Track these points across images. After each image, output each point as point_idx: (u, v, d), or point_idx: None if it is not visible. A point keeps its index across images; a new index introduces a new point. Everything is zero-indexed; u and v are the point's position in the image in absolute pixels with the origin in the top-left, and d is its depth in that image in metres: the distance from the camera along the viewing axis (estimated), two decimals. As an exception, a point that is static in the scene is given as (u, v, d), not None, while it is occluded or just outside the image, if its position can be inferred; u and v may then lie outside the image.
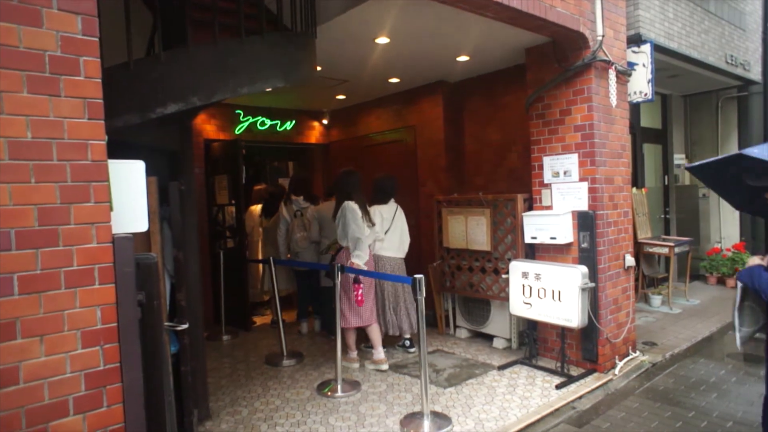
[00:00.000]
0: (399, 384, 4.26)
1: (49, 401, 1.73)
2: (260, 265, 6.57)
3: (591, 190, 4.31)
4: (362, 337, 5.24)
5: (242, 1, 2.99)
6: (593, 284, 4.20)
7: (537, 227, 4.48)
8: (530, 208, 4.74)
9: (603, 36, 4.24)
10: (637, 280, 6.65)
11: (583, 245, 4.34)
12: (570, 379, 4.17)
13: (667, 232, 7.98)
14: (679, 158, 8.49)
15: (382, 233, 4.85)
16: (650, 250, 6.70)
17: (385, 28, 4.13)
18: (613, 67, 4.34)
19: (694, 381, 4.26)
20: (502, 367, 4.51)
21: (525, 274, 4.35)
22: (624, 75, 4.59)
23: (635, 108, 6.66)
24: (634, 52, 4.80)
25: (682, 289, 6.93)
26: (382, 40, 4.39)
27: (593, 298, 4.28)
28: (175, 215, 2.85)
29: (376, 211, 4.86)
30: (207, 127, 6.40)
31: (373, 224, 4.69)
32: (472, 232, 5.08)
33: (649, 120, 7.62)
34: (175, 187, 2.83)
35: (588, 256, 4.30)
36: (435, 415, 3.56)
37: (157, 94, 2.59)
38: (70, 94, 1.74)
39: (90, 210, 1.81)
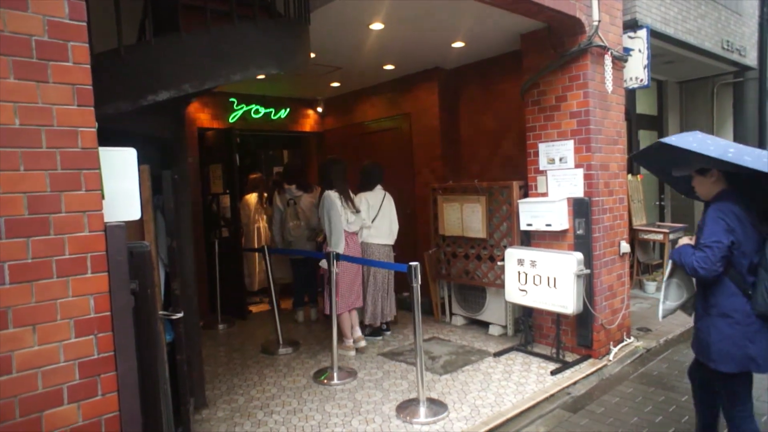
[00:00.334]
0: (395, 371, 4.28)
1: (43, 390, 1.72)
2: (257, 255, 6.58)
3: (586, 177, 4.31)
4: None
5: (234, -14, 2.94)
6: (588, 271, 4.22)
7: (532, 214, 4.48)
8: (526, 195, 4.74)
9: (599, 21, 4.21)
10: (632, 266, 6.68)
11: (578, 232, 4.34)
12: (565, 365, 4.19)
13: (662, 219, 8.01)
14: (674, 145, 8.49)
15: (369, 220, 4.86)
16: (645, 236, 6.72)
17: (380, 13, 4.08)
18: (609, 53, 4.32)
19: (687, 366, 4.28)
20: (497, 354, 4.54)
21: (520, 261, 4.36)
22: (620, 61, 4.56)
23: (631, 94, 6.65)
24: (630, 37, 4.78)
25: (677, 276, 6.95)
26: (377, 26, 4.35)
27: (588, 284, 4.30)
28: (168, 204, 2.83)
29: (362, 198, 4.88)
30: (200, 115, 6.35)
31: (358, 211, 4.72)
32: (467, 219, 5.08)
33: (644, 106, 7.61)
34: (168, 175, 2.80)
35: (583, 243, 4.31)
36: (431, 401, 3.58)
37: (149, 81, 2.56)
38: (58, 80, 1.71)
39: (81, 198, 1.79)
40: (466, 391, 3.82)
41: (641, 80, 4.70)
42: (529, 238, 4.68)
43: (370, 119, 6.86)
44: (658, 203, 8.05)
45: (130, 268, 1.97)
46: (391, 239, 5.06)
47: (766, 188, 2.37)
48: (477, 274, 5.10)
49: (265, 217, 6.72)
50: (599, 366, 4.21)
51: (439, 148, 5.96)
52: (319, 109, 7.57)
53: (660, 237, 6.63)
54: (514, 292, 4.42)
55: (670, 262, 2.64)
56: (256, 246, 6.52)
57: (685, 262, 2.47)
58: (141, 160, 2.67)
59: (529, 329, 4.69)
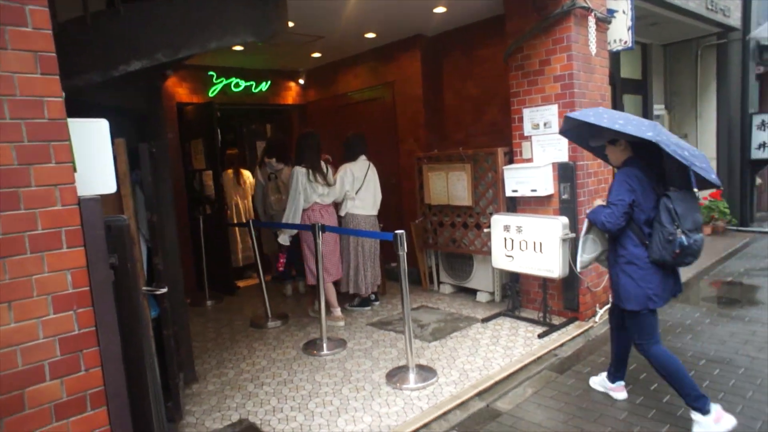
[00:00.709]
0: (384, 340, 4.31)
1: (24, 367, 1.69)
2: (237, 231, 6.56)
3: (571, 141, 4.29)
4: (347, 297, 5.28)
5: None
6: (574, 235, 4.23)
7: (518, 180, 4.47)
8: (511, 162, 4.72)
9: (582, -19, 4.14)
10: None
11: (563, 196, 4.35)
12: (552, 328, 4.25)
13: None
14: (659, 109, 8.50)
15: (353, 191, 4.84)
16: (630, 200, 6.77)
17: (358, -23, 3.97)
18: (593, 14, 4.26)
19: (670, 324, 4.37)
20: (485, 320, 4.58)
21: (506, 228, 4.37)
22: (603, 22, 4.50)
23: (615, 58, 6.60)
24: (613, -2, 4.70)
25: (661, 238, 7.03)
26: (356, -9, 4.24)
27: (574, 248, 4.32)
28: (146, 178, 2.77)
29: (347, 169, 4.86)
30: (179, 90, 6.20)
31: (330, 184, 4.72)
32: (453, 187, 5.06)
33: (629, 71, 7.56)
34: (145, 148, 2.73)
35: (568, 207, 4.32)
36: (420, 368, 3.62)
37: (119, 50, 2.47)
38: (18, 47, 1.64)
39: (51, 171, 1.74)
40: (454, 357, 3.87)
41: (625, 42, 4.65)
42: (514, 205, 4.68)
43: (353, 90, 6.76)
44: (642, 168, 8.09)
45: (108, 242, 1.93)
46: (375, 210, 5.06)
47: (659, 155, 2.69)
48: (464, 242, 5.11)
49: (241, 192, 6.67)
50: (585, 328, 4.28)
51: (423, 117, 5.90)
52: (301, 81, 7.43)
53: (644, 201, 6.68)
54: (501, 259, 4.44)
55: (586, 220, 3.01)
56: (234, 221, 6.48)
57: (596, 219, 2.87)
58: (117, 134, 2.60)
59: (516, 294, 4.74)
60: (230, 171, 6.68)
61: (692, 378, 2.80)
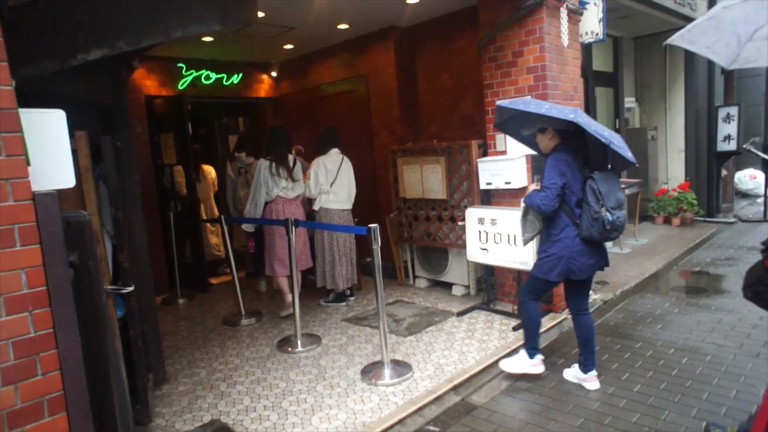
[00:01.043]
0: (359, 336, 4.27)
1: (-25, 373, 1.60)
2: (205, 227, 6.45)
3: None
4: (322, 292, 5.23)
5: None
6: (547, 227, 4.26)
7: (492, 173, 4.47)
8: (485, 154, 4.71)
9: (554, -27, 4.14)
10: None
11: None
12: (526, 320, 4.26)
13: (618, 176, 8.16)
14: (629, 101, 8.62)
15: (327, 185, 4.79)
16: (602, 193, 6.85)
17: (329, -33, 3.89)
18: (565, 6, 4.26)
19: (641, 315, 4.44)
20: (461, 314, 4.58)
21: (481, 221, 4.36)
22: (575, 14, 4.52)
23: (587, 51, 6.64)
24: (585, -9, 4.72)
25: (632, 230, 7.17)
26: (327, -19, 4.15)
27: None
28: (110, 172, 2.66)
29: (319, 163, 4.81)
30: (147, 82, 6.02)
31: (294, 179, 4.68)
32: (427, 180, 5.04)
33: (600, 63, 7.64)
34: (108, 141, 2.62)
35: (542, 200, 4.33)
36: (395, 363, 3.59)
37: (78, 38, 2.34)
38: (-40, 32, 1.53)
39: (1, 164, 1.63)
40: (430, 351, 3.85)
41: (597, 34, 4.68)
42: (489, 197, 4.68)
43: (327, 82, 6.67)
44: (613, 160, 8.19)
45: (67, 239, 1.84)
46: (349, 204, 5.01)
47: (584, 141, 2.99)
48: (439, 235, 5.10)
49: (201, 188, 6.51)
50: (559, 319, 4.31)
51: (397, 110, 5.86)
52: (274, 74, 7.30)
53: (616, 193, 6.76)
54: (476, 252, 4.44)
55: (523, 204, 3.25)
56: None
57: (532, 202, 3.09)
58: (78, 126, 2.49)
59: (491, 287, 4.75)
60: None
61: (539, 335, 3.38)
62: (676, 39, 2.73)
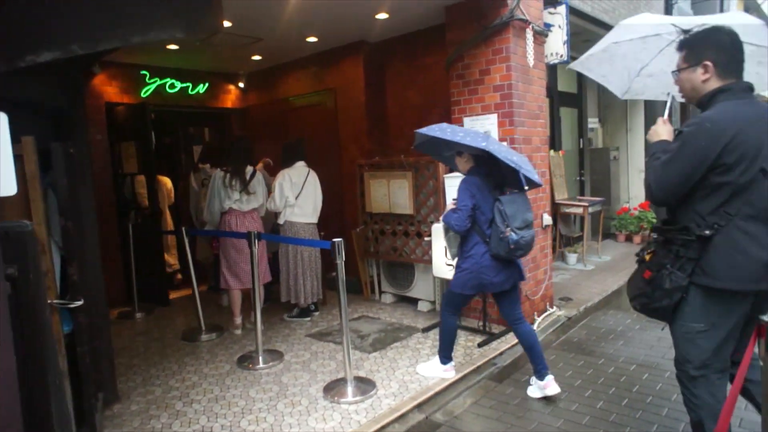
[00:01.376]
0: (323, 352, 4.18)
1: None
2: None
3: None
4: (285, 307, 5.12)
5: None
6: (512, 243, 4.28)
7: (458, 189, 4.47)
8: (452, 171, 4.72)
9: (520, -6, 4.22)
10: (554, 239, 6.93)
11: (502, 205, 4.38)
12: (492, 337, 4.26)
13: (582, 193, 8.36)
14: (593, 122, 8.85)
15: (292, 198, 4.73)
16: (567, 210, 6.98)
17: (298, -21, 3.87)
18: (531, 27, 4.35)
19: (604, 331, 4.49)
20: (426, 330, 4.54)
21: (447, 236, 4.35)
22: (541, 35, 4.61)
23: (552, 72, 6.81)
24: (550, 13, 4.83)
25: (596, 247, 7.30)
26: (296, -8, 4.13)
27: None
28: (60, 180, 2.53)
29: (285, 175, 4.74)
30: (108, 89, 5.85)
31: (249, 192, 4.61)
32: (394, 195, 5.02)
33: (565, 84, 7.83)
34: (58, 148, 2.50)
35: (507, 216, 4.36)
36: (359, 380, 3.52)
37: (27, 38, 2.24)
38: None
39: (-67, 169, 1.52)
40: (394, 368, 3.79)
41: (561, 55, 4.78)
42: (455, 213, 4.68)
43: (295, 94, 6.61)
44: (578, 178, 8.39)
45: (5, 250, 1.73)
46: (315, 217, 4.95)
47: (498, 165, 3.17)
48: (405, 250, 5.07)
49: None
50: (524, 336, 4.31)
51: (365, 124, 5.84)
52: (241, 85, 7.21)
53: (580, 210, 6.91)
54: (442, 267, 4.42)
55: (443, 222, 3.43)
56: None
57: (448, 221, 3.31)
58: (27, 131, 2.37)
59: (457, 303, 4.73)
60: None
61: (453, 345, 3.58)
62: (576, 65, 2.98)
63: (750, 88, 2.13)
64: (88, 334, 2.79)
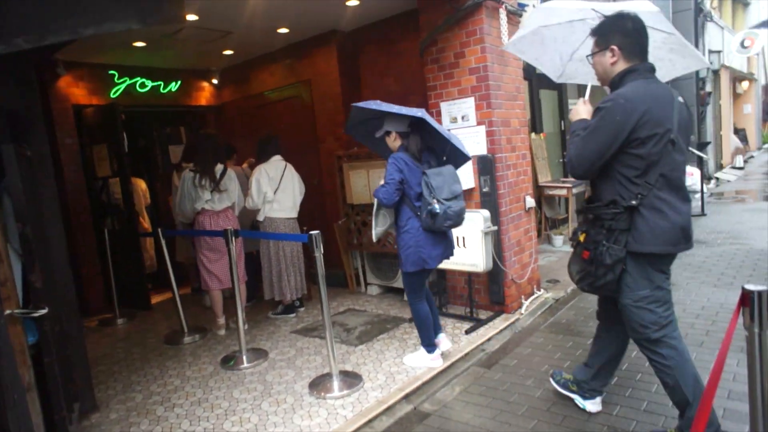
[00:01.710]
0: (308, 347, 4.10)
1: None
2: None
3: (489, 134, 4.28)
4: (270, 305, 5.03)
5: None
6: (495, 227, 4.22)
7: (438, 175, 4.40)
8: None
9: (491, -27, 4.13)
10: (540, 222, 6.89)
11: (484, 189, 4.32)
12: (479, 323, 4.20)
13: (566, 175, 8.32)
14: (573, 103, 8.80)
15: (270, 193, 4.62)
16: (550, 192, 6.94)
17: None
18: (504, 6, 4.26)
19: (591, 311, 4.43)
20: (413, 319, 4.46)
21: (429, 223, 4.27)
22: (515, 15, 4.52)
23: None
24: (523, -8, 4.75)
25: (581, 228, 7.26)
26: (261, -19, 4.00)
27: (497, 241, 4.31)
28: (15, 183, 2.41)
29: (261, 170, 4.64)
30: (75, 90, 5.67)
31: (220, 190, 4.51)
32: (374, 185, 4.92)
33: (543, 66, 7.76)
34: (10, 149, 2.38)
35: (489, 200, 4.30)
36: (345, 374, 3.44)
37: (-34, 33, 2.11)
38: None
39: None
40: (381, 360, 3.72)
41: (536, 35, 4.70)
42: (437, 200, 4.61)
43: (270, 89, 6.48)
44: (561, 160, 8.35)
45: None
46: (295, 212, 4.85)
47: (425, 141, 3.33)
48: (389, 240, 4.99)
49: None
50: (512, 320, 4.27)
51: (342, 115, 5.72)
52: (215, 81, 7.06)
53: (564, 192, 6.87)
54: (426, 255, 4.34)
55: (376, 199, 3.38)
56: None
57: (377, 195, 3.32)
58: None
59: (443, 291, 4.67)
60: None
61: (432, 331, 3.54)
62: (509, 46, 2.98)
63: (653, 68, 2.32)
64: (57, 343, 2.68)
